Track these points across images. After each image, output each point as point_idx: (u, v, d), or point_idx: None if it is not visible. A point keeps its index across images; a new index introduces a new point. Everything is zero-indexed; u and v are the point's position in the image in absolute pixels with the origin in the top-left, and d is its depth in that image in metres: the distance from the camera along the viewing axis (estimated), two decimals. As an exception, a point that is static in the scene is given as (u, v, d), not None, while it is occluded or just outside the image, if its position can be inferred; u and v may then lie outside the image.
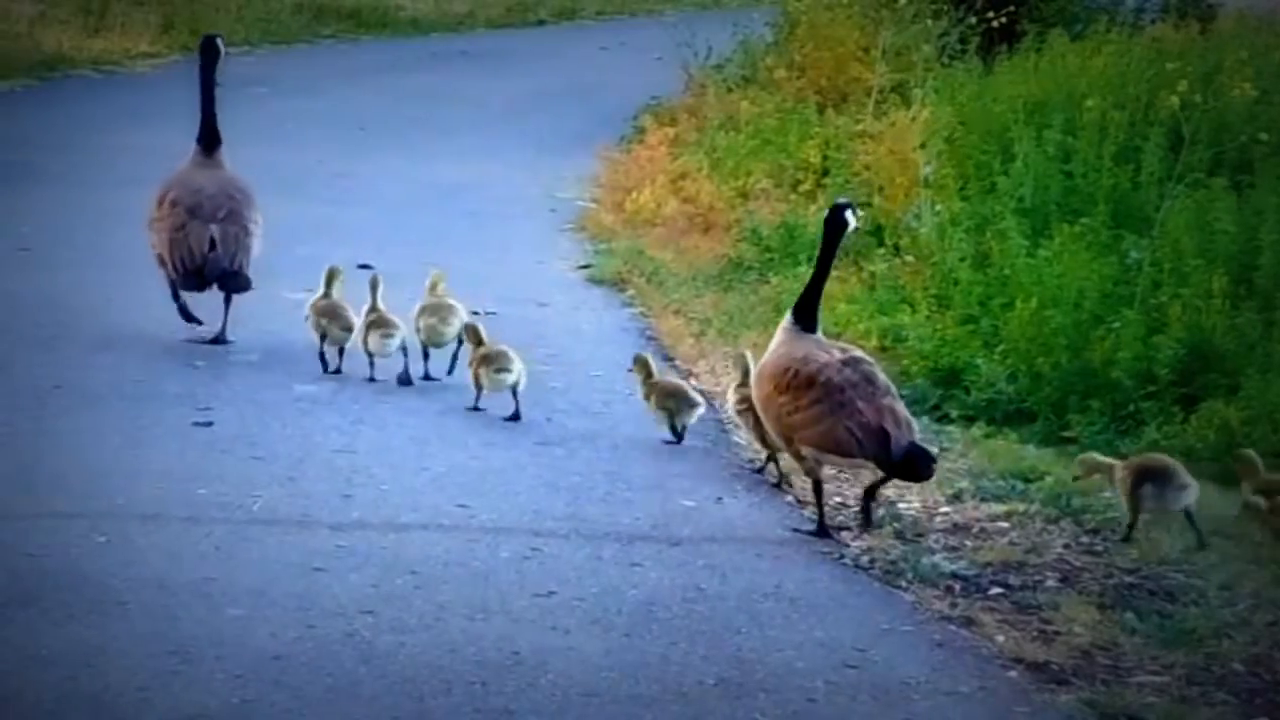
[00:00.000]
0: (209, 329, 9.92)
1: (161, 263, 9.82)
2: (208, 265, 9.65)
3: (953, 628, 6.85)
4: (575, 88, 19.29)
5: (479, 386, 8.93)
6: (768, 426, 7.86)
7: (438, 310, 9.35)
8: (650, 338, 10.45)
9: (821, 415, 7.56)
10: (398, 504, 7.67)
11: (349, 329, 9.28)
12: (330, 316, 9.34)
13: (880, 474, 7.63)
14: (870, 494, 7.78)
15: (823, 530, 7.65)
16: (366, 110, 17.33)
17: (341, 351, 9.40)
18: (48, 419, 8.52)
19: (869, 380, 7.62)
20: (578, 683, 6.13)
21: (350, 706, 5.85)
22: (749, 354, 8.56)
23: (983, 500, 8.17)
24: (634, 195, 13.70)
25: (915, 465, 7.53)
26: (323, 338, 9.39)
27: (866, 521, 7.73)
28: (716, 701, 6.09)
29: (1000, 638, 6.78)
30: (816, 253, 8.11)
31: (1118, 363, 9.38)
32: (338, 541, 7.21)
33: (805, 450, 7.66)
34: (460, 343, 9.25)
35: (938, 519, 7.96)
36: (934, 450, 7.91)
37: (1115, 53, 13.21)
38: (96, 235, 11.22)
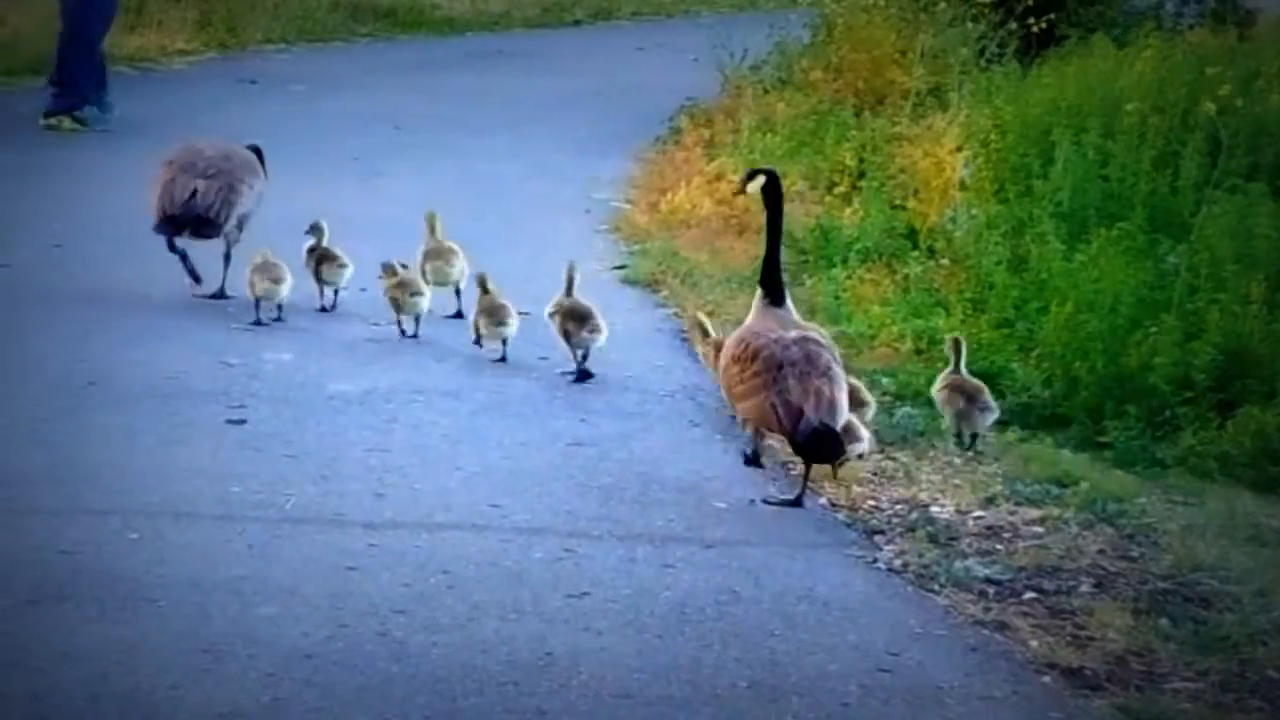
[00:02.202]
0: (209, 287, 10.48)
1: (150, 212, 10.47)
2: (182, 210, 10.29)
3: (986, 632, 6.82)
4: (611, 88, 19.25)
5: (478, 334, 9.69)
6: (725, 396, 8.33)
7: (440, 253, 10.20)
8: (684, 339, 10.42)
9: (757, 388, 7.88)
10: (431, 503, 7.67)
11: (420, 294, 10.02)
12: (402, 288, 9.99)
13: (789, 448, 7.97)
14: (806, 472, 8.01)
15: (753, 459, 8.18)
16: (402, 109, 17.29)
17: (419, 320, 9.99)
18: (81, 416, 8.52)
19: (809, 359, 7.84)
20: (610, 684, 6.12)
21: (382, 706, 5.84)
22: (702, 317, 9.40)
23: (1017, 504, 8.13)
24: (669, 196, 13.66)
25: (818, 446, 7.77)
26: (397, 307, 10.01)
27: (798, 500, 7.95)
28: (749, 704, 6.07)
29: (1034, 642, 6.75)
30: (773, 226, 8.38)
31: (1154, 368, 9.33)
32: (370, 540, 7.20)
33: (745, 421, 8.11)
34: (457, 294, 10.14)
35: (971, 523, 7.93)
36: (862, 445, 8.20)
37: (1154, 58, 13.14)
38: (130, 232, 11.23)
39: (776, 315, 8.12)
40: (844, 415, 7.91)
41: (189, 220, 10.32)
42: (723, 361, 8.20)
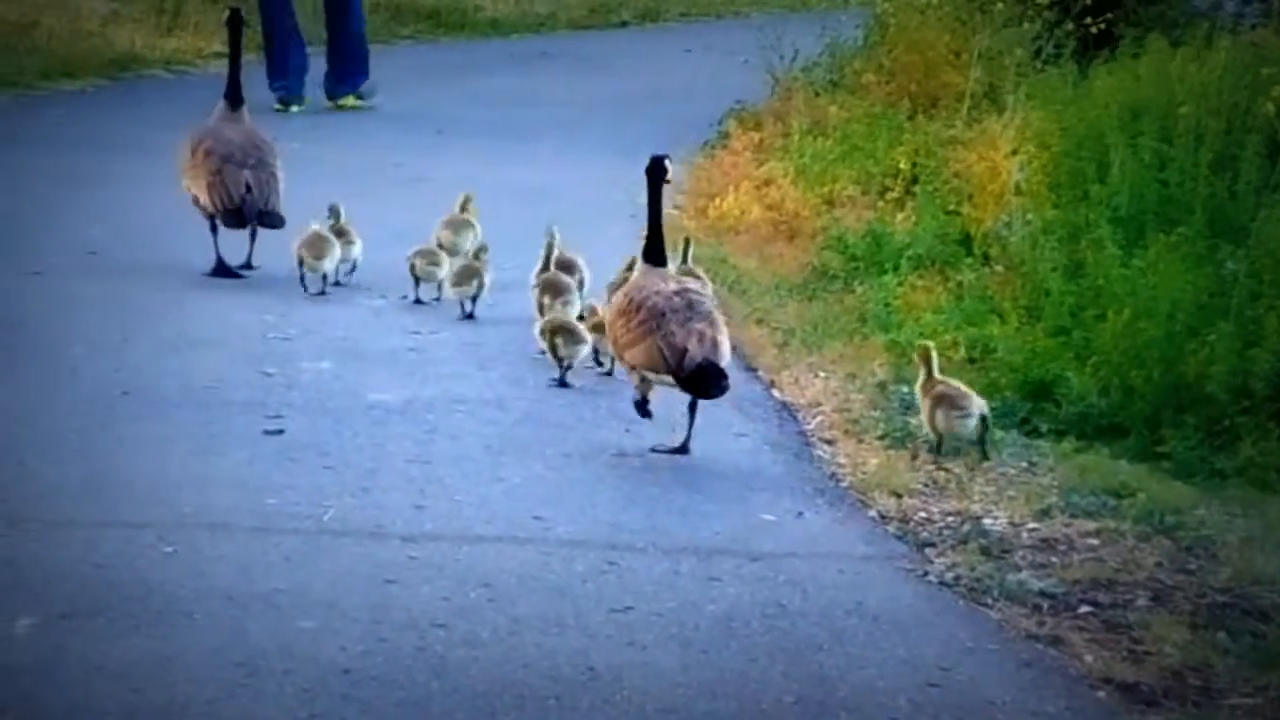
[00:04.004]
0: (242, 280, 10.93)
1: (196, 203, 10.99)
2: (245, 205, 10.86)
3: (1040, 647, 6.71)
4: (658, 91, 19.18)
5: (416, 278, 10.60)
6: (612, 349, 8.86)
7: (453, 224, 10.82)
8: (731, 347, 10.30)
9: (643, 335, 8.40)
10: (472, 515, 7.59)
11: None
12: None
13: (676, 388, 8.37)
14: (691, 410, 8.45)
15: (642, 406, 8.56)
16: (444, 112, 17.29)
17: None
18: (115, 426, 8.47)
19: (690, 306, 8.42)
20: (654, 699, 6.03)
21: (421, 722, 5.74)
22: (555, 231, 10.08)
23: (1072, 516, 8.00)
24: (717, 201, 13.57)
25: (702, 380, 8.27)
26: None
27: (684, 448, 8.43)
28: (796, 720, 5.96)
29: (1089, 657, 6.64)
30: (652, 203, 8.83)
31: (1212, 377, 9.18)
32: (410, 553, 7.12)
33: (632, 370, 8.54)
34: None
35: (1025, 535, 7.81)
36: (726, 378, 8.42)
37: (1211, 58, 12.96)
38: (166, 238, 11.25)
39: (659, 273, 8.67)
40: (727, 356, 8.42)
41: (253, 215, 10.94)
42: (609, 317, 8.74)
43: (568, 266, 10.15)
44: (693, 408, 8.44)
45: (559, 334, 9.37)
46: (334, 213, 10.89)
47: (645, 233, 8.75)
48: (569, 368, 9.38)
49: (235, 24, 11.69)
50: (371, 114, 17.09)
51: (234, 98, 11.33)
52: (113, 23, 19.82)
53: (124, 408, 8.71)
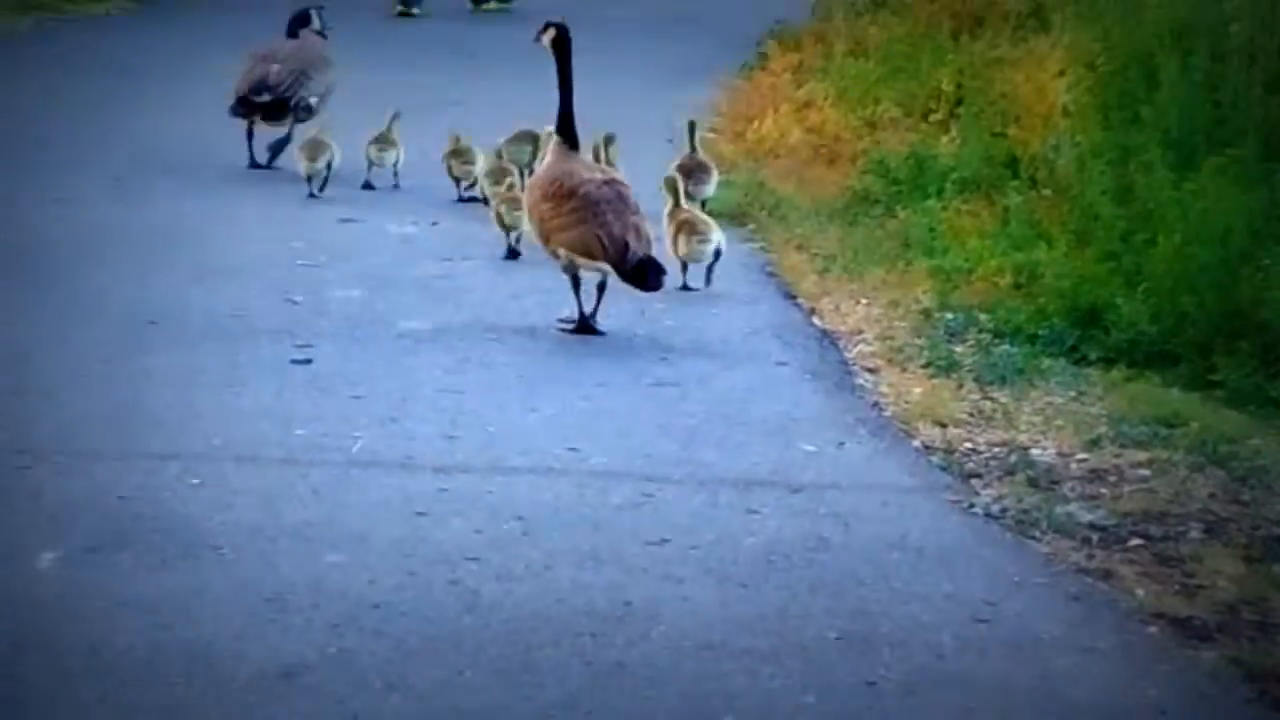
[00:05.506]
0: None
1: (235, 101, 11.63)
2: (253, 89, 11.48)
3: (1089, 581, 6.59)
4: (696, 12, 19.07)
5: (454, 178, 11.19)
6: (532, 228, 9.20)
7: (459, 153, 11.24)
8: (771, 273, 10.25)
9: (578, 222, 8.81)
10: (504, 446, 7.49)
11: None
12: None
13: (615, 277, 8.82)
14: (600, 290, 8.93)
15: (583, 321, 8.94)
16: (477, 36, 17.21)
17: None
18: (142, 356, 8.40)
19: (621, 199, 8.89)
20: (692, 635, 5.92)
21: (453, 657, 5.68)
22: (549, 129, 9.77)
23: (1122, 446, 7.85)
24: (755, 125, 13.48)
25: (645, 275, 8.77)
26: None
27: (589, 325, 8.95)
28: (838, 656, 5.87)
29: (1140, 591, 6.51)
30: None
31: (1267, 302, 9.02)
32: (441, 485, 7.04)
33: (561, 251, 8.90)
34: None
35: (1074, 466, 7.66)
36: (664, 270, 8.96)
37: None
38: (194, 164, 11.25)
39: (578, 159, 9.13)
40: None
41: (260, 104, 11.52)
42: (531, 199, 9.11)
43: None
44: (601, 286, 8.89)
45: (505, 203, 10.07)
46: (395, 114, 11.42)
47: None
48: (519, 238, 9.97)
49: None
50: (404, 37, 16.95)
51: (291, 27, 12.18)
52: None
53: (150, 337, 8.66)
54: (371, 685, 5.49)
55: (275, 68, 11.58)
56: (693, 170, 10.79)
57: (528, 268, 9.94)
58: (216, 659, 5.59)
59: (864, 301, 9.72)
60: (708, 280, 9.67)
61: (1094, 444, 7.88)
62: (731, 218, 11.29)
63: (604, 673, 5.65)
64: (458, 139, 11.21)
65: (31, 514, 6.63)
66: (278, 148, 11.64)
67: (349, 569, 6.24)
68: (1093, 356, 9.14)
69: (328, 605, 5.95)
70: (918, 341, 9.10)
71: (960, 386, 8.53)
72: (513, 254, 10.01)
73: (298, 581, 6.12)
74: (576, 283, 8.93)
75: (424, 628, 5.86)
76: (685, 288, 9.68)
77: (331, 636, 5.76)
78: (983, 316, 9.46)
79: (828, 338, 9.18)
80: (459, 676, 5.57)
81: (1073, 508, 7.20)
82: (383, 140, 11.38)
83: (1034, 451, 7.79)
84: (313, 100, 11.65)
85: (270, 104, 11.54)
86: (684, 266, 9.63)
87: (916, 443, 7.88)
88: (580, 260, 8.84)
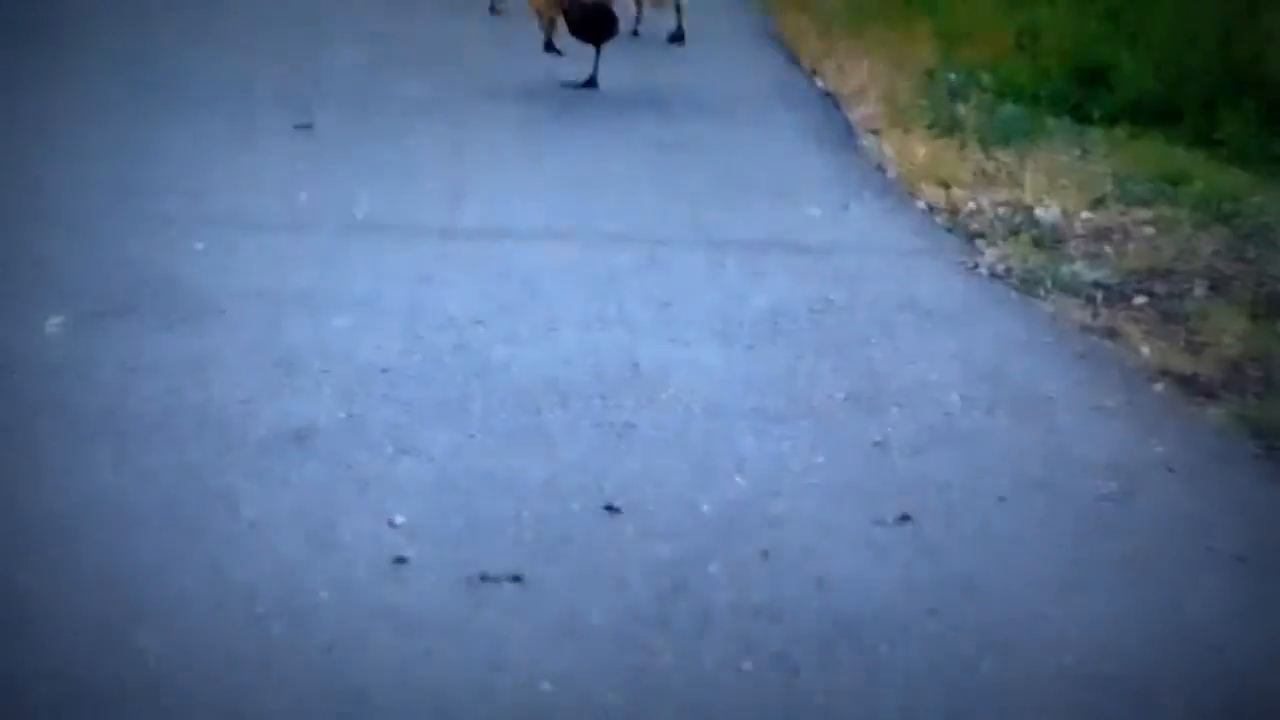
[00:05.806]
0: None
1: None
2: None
3: (1095, 339, 6.57)
4: None
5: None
6: None
7: None
8: (771, 34, 10.12)
9: None
10: (508, 210, 7.44)
11: None
12: None
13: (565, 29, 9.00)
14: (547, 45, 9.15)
15: (549, 45, 9.14)
16: None
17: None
18: (142, 120, 8.32)
19: None
20: (700, 396, 5.89)
21: (463, 421, 5.63)
22: None
23: (1127, 205, 7.82)
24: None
25: (591, 23, 8.95)
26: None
27: (591, 82, 9.05)
28: (846, 416, 5.82)
29: (1145, 349, 6.49)
30: None
31: (1270, 59, 8.97)
32: (446, 249, 6.99)
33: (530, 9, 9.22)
34: None
35: (1078, 225, 7.64)
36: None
37: None
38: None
39: None
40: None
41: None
42: None
43: None
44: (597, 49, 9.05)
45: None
46: None
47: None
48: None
49: None
50: None
51: None
52: None
53: (151, 100, 8.58)
54: (383, 449, 5.45)
55: None
56: None
57: (525, 34, 9.76)
58: (228, 423, 5.52)
59: (866, 62, 9.63)
60: (678, 31, 9.69)
61: (1098, 202, 7.84)
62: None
63: (613, 435, 5.60)
64: None
65: (36, 278, 6.57)
66: None
67: (355, 333, 6.20)
68: (1096, 115, 9.08)
69: (336, 369, 5.91)
70: (921, 102, 9.03)
71: (964, 147, 8.47)
72: (551, 47, 9.63)
73: (304, 346, 6.07)
74: (553, 22, 9.06)
75: (432, 391, 5.82)
76: (636, 34, 9.80)
77: (341, 401, 5.71)
78: (985, 77, 9.38)
79: (830, 99, 9.11)
80: (470, 440, 5.51)
81: (1078, 266, 7.17)
82: None
83: (1038, 211, 7.75)
84: None
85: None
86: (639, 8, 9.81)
87: (921, 203, 7.84)
88: (554, 18, 8.91)
